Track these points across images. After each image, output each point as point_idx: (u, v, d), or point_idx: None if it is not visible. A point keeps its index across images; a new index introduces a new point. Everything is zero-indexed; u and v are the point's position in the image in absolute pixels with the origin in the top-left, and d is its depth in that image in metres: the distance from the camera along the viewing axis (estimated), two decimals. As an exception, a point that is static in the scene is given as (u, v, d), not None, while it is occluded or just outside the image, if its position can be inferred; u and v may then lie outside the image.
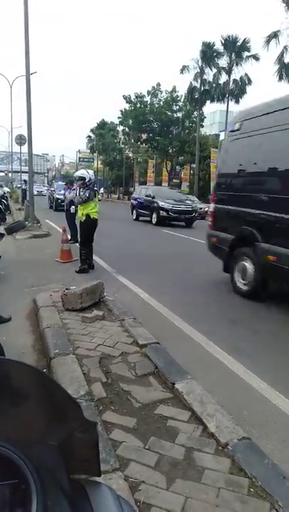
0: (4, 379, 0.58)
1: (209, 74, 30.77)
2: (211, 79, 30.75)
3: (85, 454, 0.65)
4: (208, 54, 29.60)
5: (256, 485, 1.92)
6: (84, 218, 7.01)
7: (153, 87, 35.70)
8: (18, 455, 0.54)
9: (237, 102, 30.37)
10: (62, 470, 0.60)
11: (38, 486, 0.53)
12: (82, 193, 6.96)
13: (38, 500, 0.52)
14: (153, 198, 17.24)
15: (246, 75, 29.70)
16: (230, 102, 30.44)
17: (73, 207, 9.59)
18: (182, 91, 33.70)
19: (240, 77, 29.69)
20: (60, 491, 0.56)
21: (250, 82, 29.78)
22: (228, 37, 28.71)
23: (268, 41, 24.03)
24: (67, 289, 4.72)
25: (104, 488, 0.63)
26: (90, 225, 7.07)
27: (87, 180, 6.97)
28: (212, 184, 33.69)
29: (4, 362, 0.59)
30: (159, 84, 35.79)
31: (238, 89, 29.86)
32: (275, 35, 23.78)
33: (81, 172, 7.42)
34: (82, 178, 7.03)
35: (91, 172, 7.41)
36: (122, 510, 0.58)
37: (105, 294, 4.88)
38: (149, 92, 35.86)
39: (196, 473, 1.99)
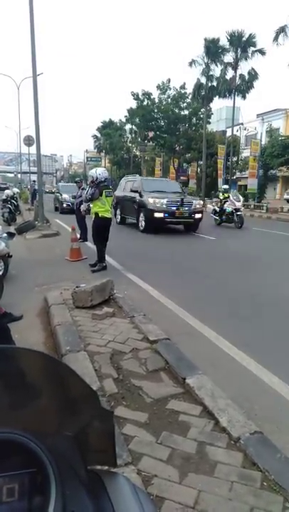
0: (20, 368, 0.58)
1: (215, 70, 30.43)
2: (217, 75, 30.42)
3: (101, 445, 0.64)
4: (212, 50, 29.27)
5: (269, 478, 1.91)
6: (93, 217, 7.01)
7: (162, 82, 34.70)
8: (36, 444, 0.55)
9: (244, 97, 29.92)
10: (79, 460, 0.60)
11: (56, 475, 0.53)
12: (88, 192, 7.07)
13: (57, 489, 0.52)
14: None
15: (253, 69, 29.28)
16: (236, 97, 30.06)
17: (83, 206, 9.62)
18: (189, 89, 33.13)
19: (248, 72, 29.22)
20: (77, 481, 0.56)
21: (256, 76, 29.40)
22: (234, 32, 28.48)
23: (276, 37, 23.92)
24: (77, 286, 4.77)
25: (122, 478, 0.62)
26: (99, 224, 6.98)
27: (94, 179, 6.94)
28: (219, 181, 33.64)
29: (20, 351, 0.58)
30: (169, 80, 34.58)
31: (245, 85, 29.48)
32: (282, 29, 23.69)
33: (90, 172, 7.50)
34: (91, 177, 7.09)
35: (100, 170, 7.22)
36: (140, 500, 0.58)
37: (115, 291, 4.90)
38: (158, 87, 34.77)
39: (209, 467, 2.00)
